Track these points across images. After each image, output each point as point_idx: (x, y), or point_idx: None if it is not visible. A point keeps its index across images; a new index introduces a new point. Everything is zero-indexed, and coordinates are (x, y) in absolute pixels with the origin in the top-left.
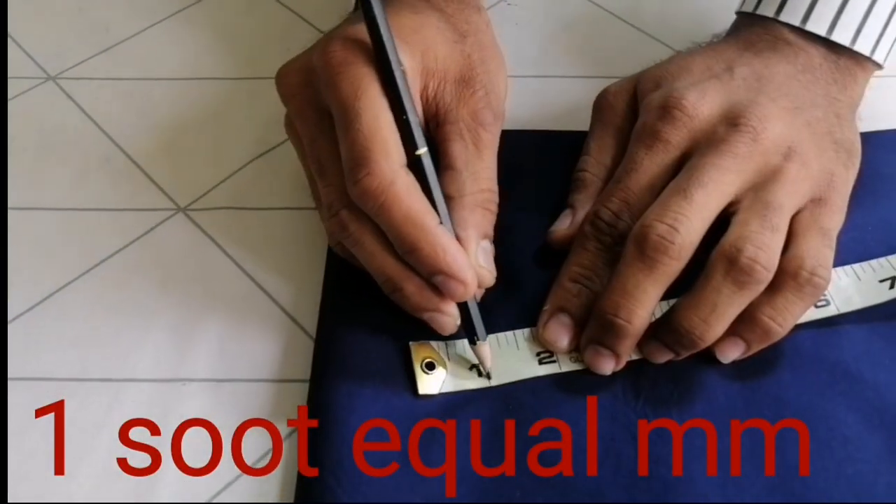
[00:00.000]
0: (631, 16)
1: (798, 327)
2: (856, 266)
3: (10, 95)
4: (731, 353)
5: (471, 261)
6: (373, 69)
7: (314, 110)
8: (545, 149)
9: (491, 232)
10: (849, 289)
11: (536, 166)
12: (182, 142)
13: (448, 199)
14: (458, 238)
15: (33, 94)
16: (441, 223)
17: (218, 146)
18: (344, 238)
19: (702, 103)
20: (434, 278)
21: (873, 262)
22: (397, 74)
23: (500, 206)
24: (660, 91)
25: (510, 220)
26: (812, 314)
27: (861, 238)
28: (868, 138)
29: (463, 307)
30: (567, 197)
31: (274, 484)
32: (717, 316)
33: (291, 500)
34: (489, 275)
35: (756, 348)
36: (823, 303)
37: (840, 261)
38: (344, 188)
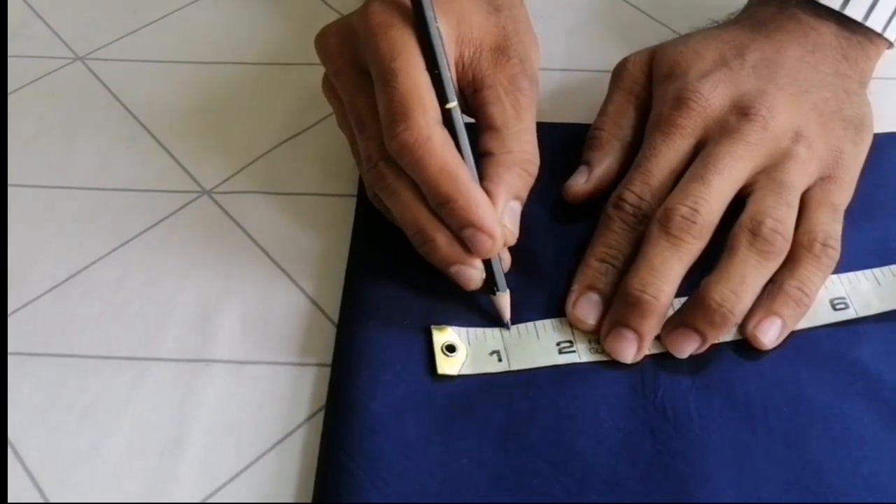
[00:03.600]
0: (655, 10)
1: (817, 327)
2: (875, 270)
3: (38, 75)
4: (771, 331)
5: (498, 217)
6: (410, 31)
7: (353, 70)
8: (567, 141)
9: (524, 195)
10: (868, 293)
11: (559, 158)
12: (208, 125)
13: (487, 154)
14: (487, 193)
15: (61, 74)
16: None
17: (244, 130)
18: (381, 189)
19: (713, 94)
20: (464, 231)
21: (893, 266)
22: (432, 30)
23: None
24: (674, 84)
25: (531, 212)
26: (831, 317)
27: (883, 240)
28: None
29: (486, 260)
30: (581, 154)
31: (294, 465)
32: (745, 287)
33: (311, 484)
34: (512, 235)
35: (791, 324)
36: (843, 306)
37: (860, 265)
38: (382, 141)
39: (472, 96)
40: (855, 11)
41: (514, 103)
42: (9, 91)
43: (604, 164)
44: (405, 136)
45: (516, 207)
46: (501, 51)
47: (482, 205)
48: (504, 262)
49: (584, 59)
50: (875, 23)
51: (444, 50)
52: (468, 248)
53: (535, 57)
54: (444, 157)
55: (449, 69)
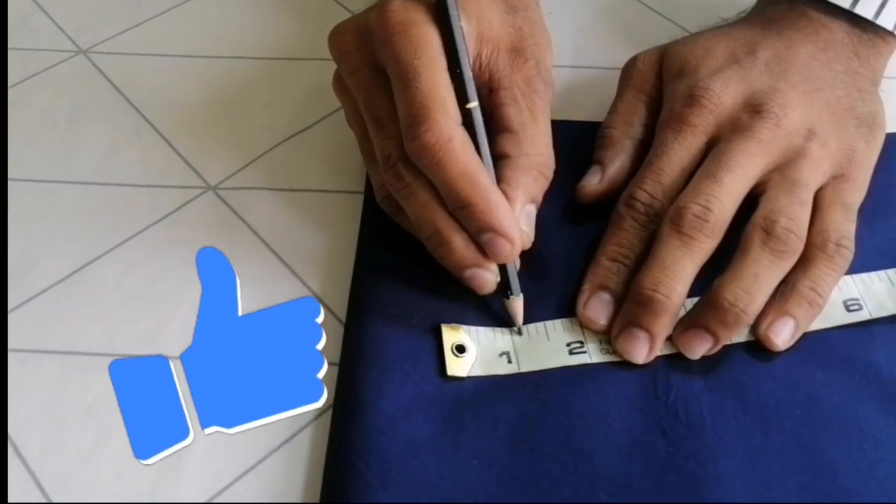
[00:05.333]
0: (665, 8)
1: (831, 328)
2: (889, 271)
3: (41, 68)
4: (784, 332)
5: (516, 221)
6: (431, 29)
7: (369, 68)
8: (577, 139)
9: (539, 197)
10: (882, 294)
11: (568, 156)
12: (213, 120)
13: (504, 157)
14: (504, 196)
15: (64, 68)
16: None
17: (249, 126)
18: (398, 190)
19: (725, 92)
20: (482, 235)
21: None
22: (456, 28)
23: None
24: (685, 81)
25: (542, 211)
26: (845, 318)
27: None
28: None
29: (500, 263)
30: (592, 153)
31: (302, 464)
32: (758, 287)
33: (319, 483)
34: (528, 239)
35: (804, 325)
36: (856, 307)
37: (873, 266)
38: (402, 141)
39: (488, 96)
40: (865, 10)
41: (530, 105)
42: (12, 84)
43: (616, 163)
44: (426, 138)
45: (532, 211)
46: (518, 52)
47: (502, 209)
48: (515, 263)
49: (594, 56)
50: (886, 21)
51: (466, 48)
52: (485, 251)
53: (549, 58)
54: (465, 159)
55: (470, 67)
